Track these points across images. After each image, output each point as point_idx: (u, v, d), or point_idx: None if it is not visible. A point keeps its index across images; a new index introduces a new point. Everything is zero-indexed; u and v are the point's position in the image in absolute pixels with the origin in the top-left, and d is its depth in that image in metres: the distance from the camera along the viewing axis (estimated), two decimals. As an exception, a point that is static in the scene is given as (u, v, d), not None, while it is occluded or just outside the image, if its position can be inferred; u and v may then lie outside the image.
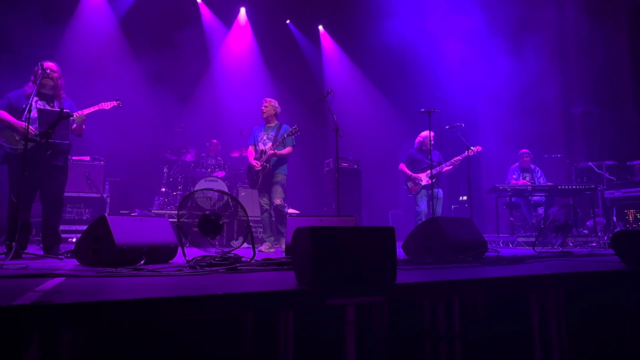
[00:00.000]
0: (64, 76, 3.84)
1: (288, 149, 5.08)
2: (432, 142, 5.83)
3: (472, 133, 6.37)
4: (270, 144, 5.04)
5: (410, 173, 6.16)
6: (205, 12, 9.03)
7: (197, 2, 8.93)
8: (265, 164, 4.99)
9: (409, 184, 6.20)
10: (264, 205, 5.06)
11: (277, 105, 5.27)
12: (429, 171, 5.83)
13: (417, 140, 6.35)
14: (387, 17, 8.95)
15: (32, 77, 3.66)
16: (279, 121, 5.26)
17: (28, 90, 3.65)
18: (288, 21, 9.68)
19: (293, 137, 5.07)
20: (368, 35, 9.22)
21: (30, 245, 3.86)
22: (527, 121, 8.17)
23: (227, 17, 9.20)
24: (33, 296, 1.41)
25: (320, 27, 9.98)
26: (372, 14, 9.09)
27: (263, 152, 5.04)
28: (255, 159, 5.11)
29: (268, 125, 5.22)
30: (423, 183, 6.02)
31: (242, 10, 9.31)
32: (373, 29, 9.06)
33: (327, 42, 10.05)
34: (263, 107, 5.23)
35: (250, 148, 5.26)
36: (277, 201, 4.95)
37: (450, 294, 1.93)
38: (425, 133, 6.14)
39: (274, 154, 4.99)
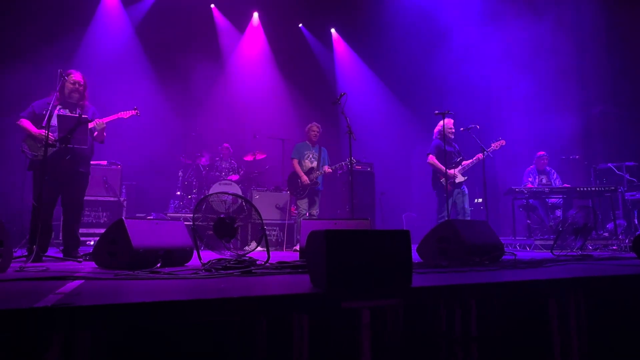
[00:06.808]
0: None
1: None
2: (453, 130, 5.65)
3: (487, 135, 6.27)
4: (315, 163, 5.93)
5: (445, 168, 5.29)
6: (219, 17, 9.13)
7: (210, 8, 9.04)
8: (315, 181, 5.85)
9: (443, 181, 5.44)
10: (301, 210, 5.85)
11: None
12: (460, 167, 5.53)
13: (437, 130, 5.75)
14: (399, 19, 8.92)
15: (58, 87, 3.76)
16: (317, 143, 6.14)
17: (55, 101, 3.76)
18: (300, 25, 9.72)
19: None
20: (380, 38, 9.20)
21: (50, 248, 3.95)
22: (544, 122, 8.05)
23: (240, 22, 9.28)
24: (54, 298, 1.44)
25: (333, 30, 9.99)
26: (384, 16, 9.07)
27: (313, 169, 5.87)
28: (305, 174, 5.85)
29: (312, 145, 6.07)
30: (457, 180, 5.52)
31: (255, 15, 9.38)
32: (385, 31, 9.04)
33: (339, 45, 10.05)
34: (316, 131, 6.11)
35: (295, 161, 5.95)
36: (316, 212, 6.00)
37: (467, 298, 1.90)
38: (445, 121, 5.38)
39: (327, 172, 5.99)
